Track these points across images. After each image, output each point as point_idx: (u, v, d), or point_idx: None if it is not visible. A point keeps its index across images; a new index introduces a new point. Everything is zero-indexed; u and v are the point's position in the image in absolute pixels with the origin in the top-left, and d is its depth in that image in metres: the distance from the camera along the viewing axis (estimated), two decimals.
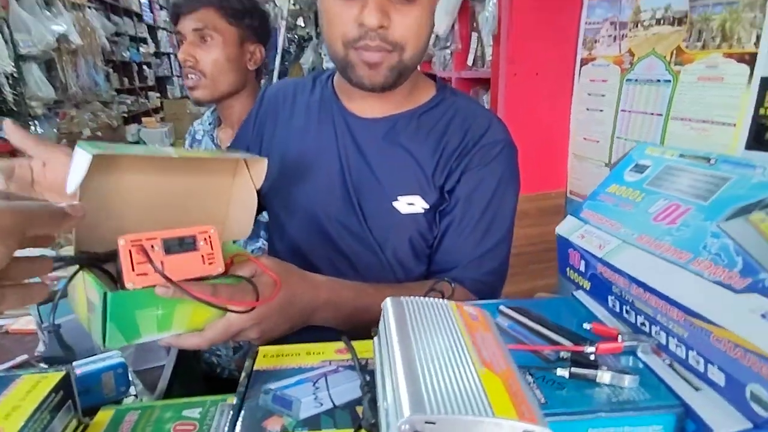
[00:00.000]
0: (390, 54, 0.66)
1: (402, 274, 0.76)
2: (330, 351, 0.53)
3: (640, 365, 0.46)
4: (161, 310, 0.49)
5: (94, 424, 0.53)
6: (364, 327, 0.62)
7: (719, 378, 0.41)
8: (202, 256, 0.52)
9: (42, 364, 1.10)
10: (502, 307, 0.59)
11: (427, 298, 0.46)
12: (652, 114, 1.20)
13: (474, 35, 1.64)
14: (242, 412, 0.44)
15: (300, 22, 5.17)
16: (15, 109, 3.34)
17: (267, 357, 0.52)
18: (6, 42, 3.27)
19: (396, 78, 0.68)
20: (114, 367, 0.90)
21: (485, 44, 1.57)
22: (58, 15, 4.02)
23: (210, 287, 0.50)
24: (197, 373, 1.21)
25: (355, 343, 0.52)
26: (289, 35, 4.47)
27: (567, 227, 0.65)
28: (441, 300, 0.46)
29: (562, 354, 0.50)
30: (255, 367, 0.50)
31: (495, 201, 0.73)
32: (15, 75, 3.32)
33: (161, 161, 0.59)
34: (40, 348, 1.20)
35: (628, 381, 0.43)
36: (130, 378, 0.77)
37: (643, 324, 0.51)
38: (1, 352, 1.24)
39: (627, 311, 0.54)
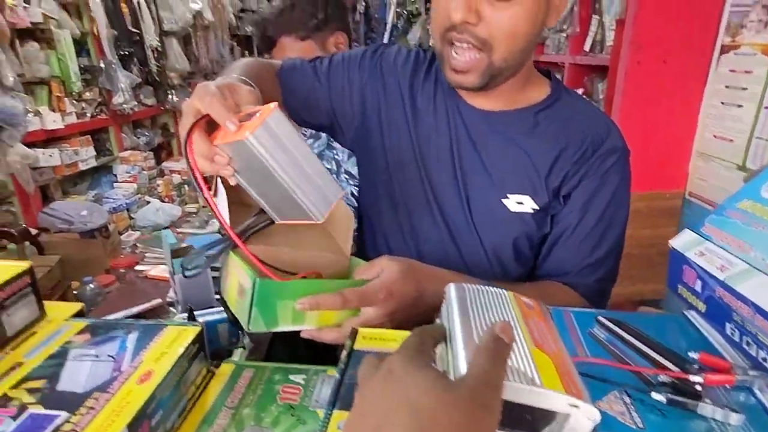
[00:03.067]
0: (478, 55, 0.64)
1: (500, 274, 0.76)
2: None
3: (753, 402, 0.43)
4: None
5: (218, 374, 0.61)
6: None
7: None
8: (253, 124, 0.50)
9: (172, 309, 1.28)
10: (600, 318, 0.58)
11: (487, 287, 0.47)
12: None
13: (594, 18, 1.52)
14: (342, 387, 0.49)
15: None
16: (158, 79, 3.78)
17: (366, 338, 0.57)
18: (153, 19, 3.68)
19: (488, 80, 0.66)
20: (221, 321, 1.02)
21: (607, 28, 1.45)
22: None
23: (339, 296, 0.56)
24: (296, 333, 1.33)
25: None
26: (398, 10, 4.48)
27: (684, 241, 0.61)
28: (500, 289, 0.47)
29: (662, 378, 0.48)
30: (355, 347, 0.55)
31: (610, 209, 0.72)
32: (159, 49, 3.73)
33: None
34: (170, 294, 1.39)
35: (735, 419, 0.41)
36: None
37: (765, 359, 0.47)
38: (140, 294, 1.47)
39: (748, 343, 0.50)
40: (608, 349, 0.52)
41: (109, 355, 0.51)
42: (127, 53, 3.46)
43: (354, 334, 0.58)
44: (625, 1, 1.24)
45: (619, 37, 1.29)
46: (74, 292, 1.96)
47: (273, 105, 0.51)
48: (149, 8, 3.64)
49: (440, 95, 0.77)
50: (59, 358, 0.50)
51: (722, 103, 1.26)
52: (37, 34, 2.77)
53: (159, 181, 3.65)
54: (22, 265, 0.53)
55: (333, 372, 0.63)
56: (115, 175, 3.48)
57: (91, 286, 1.91)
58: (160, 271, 1.50)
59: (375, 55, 0.81)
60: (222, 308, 1.09)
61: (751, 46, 1.15)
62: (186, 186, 3.71)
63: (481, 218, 0.74)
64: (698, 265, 0.57)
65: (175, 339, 0.56)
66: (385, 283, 0.59)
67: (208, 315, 1.08)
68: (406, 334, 0.59)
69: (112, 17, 3.28)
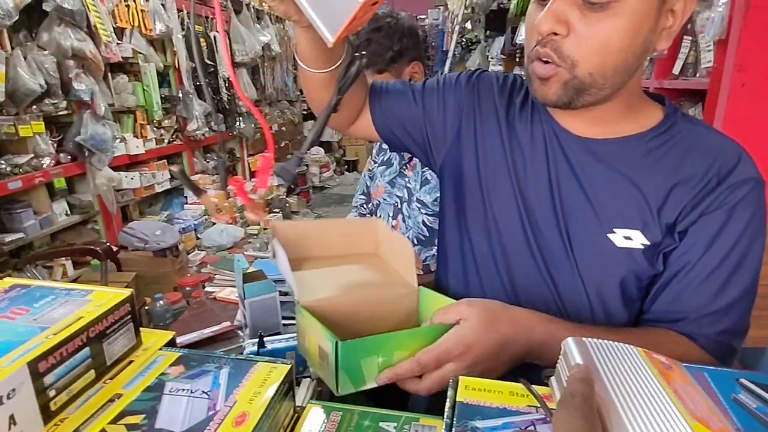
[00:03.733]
0: (559, 70, 0.59)
1: (603, 318, 0.68)
2: (532, 396, 0.51)
3: None
4: (382, 357, 0.54)
5: (303, 416, 0.59)
6: None
7: None
8: None
9: (239, 332, 1.29)
10: (744, 381, 0.50)
11: (613, 342, 0.42)
12: None
13: (686, 39, 1.43)
14: None
15: (468, 25, 5.18)
16: (228, 107, 3.98)
17: (469, 389, 0.52)
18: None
19: (574, 95, 0.61)
20: (291, 349, 1.01)
21: (701, 49, 1.35)
22: (265, 27, 4.65)
23: (416, 364, 0.55)
24: None
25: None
26: (457, 38, 4.51)
27: None
28: (628, 345, 0.41)
29: None
30: (458, 398, 0.51)
31: (739, 248, 0.62)
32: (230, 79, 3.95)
33: None
34: (239, 317, 1.41)
35: None
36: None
37: None
38: (210, 314, 1.49)
39: None
40: (764, 422, 0.44)
41: (203, 392, 0.49)
42: (201, 84, 3.68)
43: (456, 383, 0.53)
44: (727, 21, 1.15)
45: (720, 59, 1.19)
46: (146, 308, 2.04)
47: None
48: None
49: (537, 121, 0.72)
50: (156, 391, 0.49)
51: None
52: (126, 67, 3.01)
53: (224, 204, 3.79)
54: (124, 292, 0.54)
55: (427, 421, 0.59)
56: (186, 197, 3.66)
57: (161, 302, 1.99)
58: (228, 293, 1.52)
59: (471, 79, 0.79)
60: (291, 335, 1.08)
61: None
62: None
63: (584, 254, 0.67)
64: None
65: (267, 377, 0.53)
66: (463, 337, 0.56)
67: (276, 342, 1.07)
68: (511, 385, 0.54)
69: (191, 51, 3.52)
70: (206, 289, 1.72)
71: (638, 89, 0.69)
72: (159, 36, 3.20)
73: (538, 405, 0.49)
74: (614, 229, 0.65)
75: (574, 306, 0.69)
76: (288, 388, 0.55)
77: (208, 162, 4.00)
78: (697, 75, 1.39)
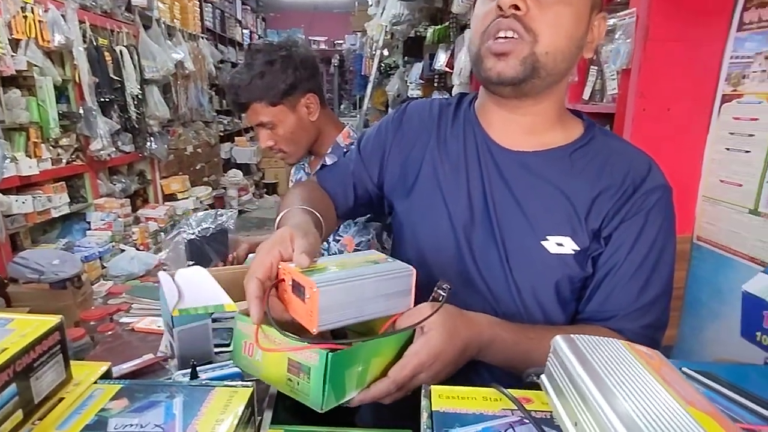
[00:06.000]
0: (520, 44, 0.63)
1: (541, 319, 0.72)
2: (507, 399, 0.51)
3: None
4: (362, 366, 0.51)
5: None
6: (520, 370, 0.61)
7: None
8: (309, 311, 0.51)
9: (167, 365, 1.17)
10: (686, 369, 0.54)
11: (597, 337, 0.44)
12: None
13: (593, 69, 1.59)
14: None
15: (385, 52, 5.36)
16: (137, 126, 3.70)
17: (443, 397, 0.51)
18: (135, 67, 3.66)
19: (529, 73, 0.65)
20: (233, 376, 0.94)
21: (606, 78, 1.51)
22: (178, 44, 4.44)
23: (393, 383, 0.55)
24: None
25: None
26: (376, 63, 4.64)
27: (761, 286, 0.59)
28: (611, 339, 0.44)
29: None
30: (433, 408, 0.50)
31: (656, 249, 0.69)
32: (140, 96, 3.69)
33: None
34: (162, 348, 1.28)
35: None
36: None
37: None
38: (128, 348, 1.34)
39: None
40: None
41: (156, 425, 0.43)
42: (107, 100, 3.40)
43: (429, 393, 0.52)
44: (630, 52, 1.29)
45: (625, 86, 1.34)
46: None
47: (315, 288, 0.49)
48: (131, 57, 3.63)
49: (471, 137, 0.76)
50: (98, 429, 0.42)
51: (727, 149, 1.30)
52: (19, 81, 2.70)
53: (134, 229, 3.50)
54: (52, 319, 0.46)
55: None
56: (88, 222, 3.31)
57: None
58: (149, 323, 1.39)
59: (397, 117, 0.85)
60: (225, 363, 1.00)
61: (755, 95, 1.20)
62: (162, 234, 3.57)
63: (520, 261, 0.71)
64: None
65: (228, 402, 0.49)
66: (432, 348, 0.57)
67: (210, 371, 0.99)
68: (483, 391, 0.54)
69: (94, 65, 3.24)
70: (122, 320, 1.56)
71: (564, 100, 0.74)
72: (57, 48, 2.92)
73: (514, 408, 0.50)
74: (547, 237, 0.69)
75: (508, 310, 0.72)
76: (251, 413, 0.51)
77: (114, 185, 3.67)
78: (604, 101, 1.55)
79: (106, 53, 3.37)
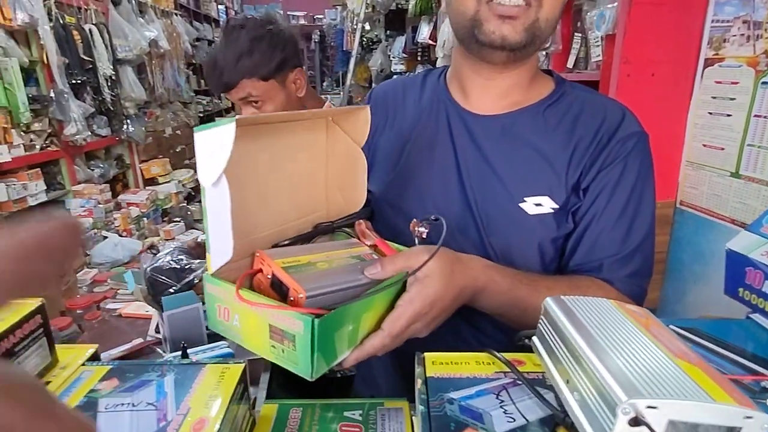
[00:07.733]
0: (528, 10, 0.63)
1: None
2: (500, 362, 0.52)
3: None
4: (352, 324, 0.49)
5: (262, 417, 0.54)
6: (512, 319, 0.62)
7: None
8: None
9: (158, 349, 1.17)
10: (673, 327, 0.55)
11: (586, 297, 0.44)
12: None
13: (577, 36, 1.57)
14: (432, 421, 0.43)
15: (367, 26, 5.25)
16: (112, 108, 3.60)
17: (436, 364, 0.51)
18: (106, 47, 3.52)
19: (530, 40, 0.64)
20: (225, 356, 0.94)
21: (591, 45, 1.50)
22: (150, 22, 4.29)
23: (389, 337, 0.53)
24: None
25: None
26: (358, 38, 4.54)
27: (744, 243, 0.59)
28: (601, 299, 0.44)
29: (765, 383, 0.46)
30: (428, 374, 0.50)
31: (636, 195, 0.69)
32: (113, 77, 3.57)
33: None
34: (151, 332, 1.27)
35: None
36: None
37: None
38: (117, 333, 1.33)
39: None
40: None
41: (148, 403, 0.43)
42: (79, 82, 3.28)
43: (422, 360, 0.52)
44: (615, 18, 1.28)
45: (610, 52, 1.33)
46: None
47: (303, 295, 0.48)
48: (102, 36, 3.49)
49: (442, 110, 0.75)
50: (88, 410, 0.41)
51: (709, 113, 1.31)
52: None
53: (116, 215, 3.43)
54: (32, 302, 0.44)
55: (392, 404, 0.57)
56: (68, 210, 3.24)
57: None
58: (136, 308, 1.38)
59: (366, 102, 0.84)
60: (217, 343, 0.99)
61: (735, 58, 1.21)
62: (145, 219, 3.51)
63: (497, 227, 0.70)
64: (765, 265, 0.55)
65: (220, 378, 0.48)
66: (427, 296, 0.53)
67: (201, 352, 0.98)
68: (476, 355, 0.54)
69: (63, 45, 3.11)
70: (108, 306, 1.54)
71: (537, 61, 0.74)
72: (21, 27, 2.79)
73: (507, 370, 0.50)
74: (525, 198, 0.69)
75: None
76: (243, 389, 0.50)
77: (92, 170, 3.58)
78: (588, 68, 1.54)
79: (75, 32, 3.23)
